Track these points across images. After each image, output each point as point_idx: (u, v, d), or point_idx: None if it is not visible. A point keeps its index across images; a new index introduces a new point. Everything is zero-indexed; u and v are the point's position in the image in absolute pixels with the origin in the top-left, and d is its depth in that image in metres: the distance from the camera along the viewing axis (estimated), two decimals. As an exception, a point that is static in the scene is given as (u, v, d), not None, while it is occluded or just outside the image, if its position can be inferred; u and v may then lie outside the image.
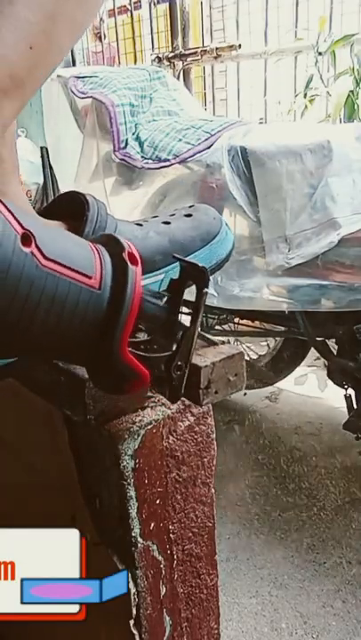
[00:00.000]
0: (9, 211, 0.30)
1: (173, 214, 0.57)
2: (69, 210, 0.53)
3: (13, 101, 0.41)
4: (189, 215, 0.56)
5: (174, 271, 0.54)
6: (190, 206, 0.59)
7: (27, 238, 0.30)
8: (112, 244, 0.37)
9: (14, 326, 0.31)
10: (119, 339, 0.34)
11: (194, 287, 0.39)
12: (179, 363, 0.39)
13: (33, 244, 0.30)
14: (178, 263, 0.40)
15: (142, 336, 0.39)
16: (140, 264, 0.36)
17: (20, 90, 0.41)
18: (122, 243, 0.37)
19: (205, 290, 0.39)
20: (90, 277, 0.34)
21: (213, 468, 0.52)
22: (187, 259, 0.41)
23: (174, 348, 0.39)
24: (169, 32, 2.61)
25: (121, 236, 0.52)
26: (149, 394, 0.48)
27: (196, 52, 2.44)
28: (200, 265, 0.39)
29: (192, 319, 0.39)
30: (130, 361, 0.35)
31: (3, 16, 0.38)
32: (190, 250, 0.54)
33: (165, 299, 0.39)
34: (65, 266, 0.32)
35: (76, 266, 0.33)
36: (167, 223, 0.54)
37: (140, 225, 0.54)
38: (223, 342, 0.49)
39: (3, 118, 0.41)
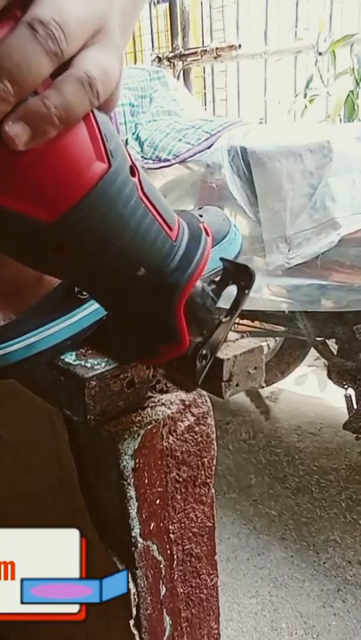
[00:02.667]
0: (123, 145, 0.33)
1: None
2: None
3: (125, 43, 0.41)
4: (200, 216, 0.57)
5: None
6: (199, 208, 0.60)
7: (133, 170, 0.32)
8: (188, 216, 0.39)
9: (100, 239, 0.32)
10: (180, 293, 0.35)
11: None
12: (204, 352, 0.39)
13: (137, 177, 0.33)
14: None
15: None
16: (211, 236, 0.38)
17: (127, 33, 0.40)
18: (197, 216, 0.39)
19: (248, 290, 0.40)
20: (171, 228, 0.35)
21: (213, 467, 0.52)
22: (231, 260, 0.42)
23: (203, 336, 0.39)
24: (169, 32, 2.61)
25: None
26: (149, 394, 0.48)
27: (196, 52, 2.44)
28: (247, 265, 0.40)
29: (230, 314, 0.40)
30: (181, 320, 0.36)
31: None
32: None
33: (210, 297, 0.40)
34: (155, 207, 0.34)
35: (162, 212, 0.35)
36: None
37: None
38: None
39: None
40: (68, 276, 0.37)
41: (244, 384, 0.46)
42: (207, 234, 0.38)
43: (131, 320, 0.39)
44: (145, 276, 0.35)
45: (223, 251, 0.56)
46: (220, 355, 0.44)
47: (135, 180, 0.32)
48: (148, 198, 0.33)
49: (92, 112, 0.29)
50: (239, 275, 0.40)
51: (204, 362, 0.39)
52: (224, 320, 0.40)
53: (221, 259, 0.42)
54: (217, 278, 0.41)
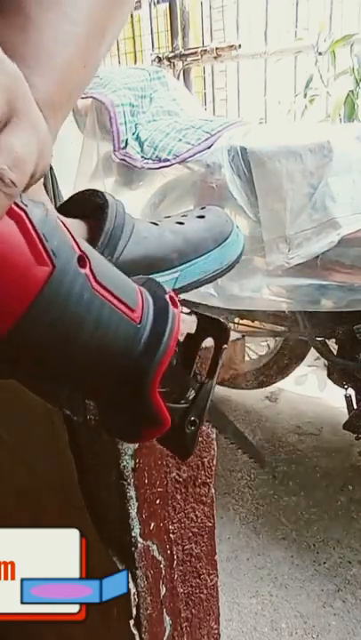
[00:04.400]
0: (69, 232, 0.31)
1: (186, 215, 0.58)
2: (86, 208, 0.53)
3: (63, 117, 0.41)
4: (202, 217, 0.57)
5: (189, 270, 0.54)
6: (202, 208, 0.59)
7: (83, 260, 0.30)
8: (153, 286, 0.37)
9: (52, 343, 0.30)
10: (151, 378, 0.33)
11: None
12: (192, 418, 0.38)
13: (88, 267, 0.31)
14: (193, 262, 0.40)
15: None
16: (179, 308, 0.36)
17: (70, 105, 0.41)
18: (162, 285, 0.37)
19: (225, 346, 0.38)
20: (133, 310, 0.33)
21: (213, 467, 0.52)
22: (204, 314, 0.40)
23: (189, 401, 0.38)
24: (169, 32, 2.61)
25: (139, 234, 0.53)
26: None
27: (196, 52, 2.44)
28: (220, 319, 0.38)
29: (209, 374, 0.38)
30: (157, 403, 0.34)
31: (68, 37, 0.39)
32: (203, 250, 0.55)
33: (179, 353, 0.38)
34: (112, 293, 0.32)
35: (121, 296, 0.33)
36: (181, 224, 0.55)
37: (156, 224, 0.55)
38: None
39: (57, 131, 0.41)
40: (34, 378, 0.35)
41: None
42: (174, 304, 0.36)
43: (108, 406, 0.37)
44: (112, 365, 0.33)
45: (225, 252, 0.55)
46: None
47: (86, 271, 0.30)
48: (102, 286, 0.31)
49: (25, 212, 0.27)
50: (213, 330, 0.38)
51: (193, 428, 0.38)
52: (206, 382, 0.38)
53: (195, 312, 0.40)
54: (192, 332, 0.40)
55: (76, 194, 0.55)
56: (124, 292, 0.33)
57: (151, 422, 0.35)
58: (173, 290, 0.40)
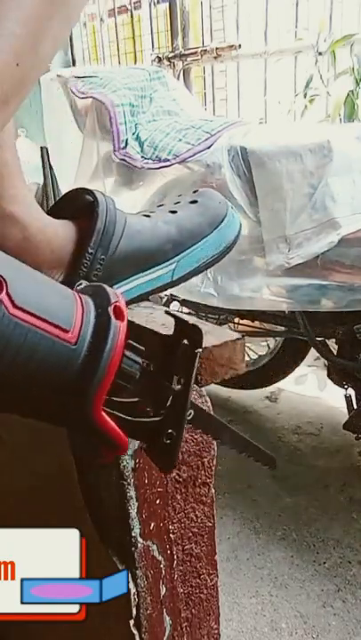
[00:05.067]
0: None
1: (179, 202, 0.57)
2: (78, 207, 0.53)
3: (3, 116, 0.41)
4: (195, 201, 0.56)
5: (185, 260, 0.54)
6: (194, 191, 0.58)
7: None
8: (100, 296, 0.34)
9: None
10: (92, 400, 0.31)
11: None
12: (169, 430, 0.36)
13: (3, 291, 0.29)
14: (190, 250, 0.39)
15: (129, 398, 0.35)
16: (125, 319, 0.33)
17: (6, 107, 0.40)
18: (109, 295, 0.34)
19: (199, 350, 0.36)
20: (66, 331, 0.31)
21: (213, 467, 0.52)
22: (180, 317, 0.38)
23: (163, 413, 0.35)
24: (169, 32, 2.61)
25: (131, 228, 0.52)
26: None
27: (196, 52, 2.44)
28: (194, 324, 0.36)
29: (184, 383, 0.36)
30: (104, 424, 0.32)
31: None
32: (199, 236, 0.54)
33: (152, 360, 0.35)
34: (37, 316, 0.30)
35: (50, 317, 0.31)
36: (174, 212, 0.55)
37: (148, 216, 0.54)
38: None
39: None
40: None
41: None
42: (119, 316, 0.33)
43: (60, 426, 0.35)
44: (48, 389, 0.31)
45: (222, 235, 0.54)
46: None
47: (1, 297, 0.29)
48: (24, 310, 0.29)
49: None
50: (188, 334, 0.36)
51: (170, 440, 0.36)
52: (177, 388, 0.36)
53: (171, 314, 0.38)
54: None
55: (68, 192, 0.55)
56: (56, 312, 0.31)
57: (105, 442, 0.33)
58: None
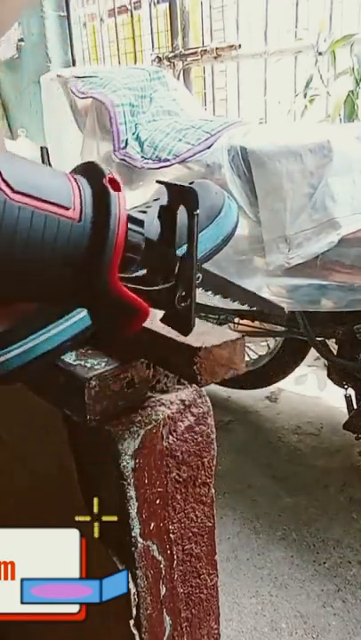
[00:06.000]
0: None
1: None
2: None
3: None
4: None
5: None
6: (190, 183, 0.58)
7: None
8: (91, 172, 0.34)
9: None
10: (107, 271, 0.32)
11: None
12: (182, 293, 0.37)
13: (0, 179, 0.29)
14: (186, 244, 0.39)
15: (138, 271, 0.36)
16: (122, 189, 0.34)
17: None
18: (100, 168, 0.34)
19: (197, 212, 0.36)
20: (67, 209, 0.31)
21: (213, 467, 0.52)
22: (171, 183, 0.38)
23: (174, 279, 0.37)
24: (169, 32, 2.61)
25: None
26: (149, 394, 0.48)
27: (196, 52, 2.44)
28: (187, 186, 0.37)
29: (188, 245, 0.37)
30: (124, 295, 0.33)
31: None
32: None
33: (159, 229, 0.36)
34: (38, 198, 0.30)
35: (51, 198, 0.31)
36: None
37: (145, 212, 0.54)
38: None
39: None
40: None
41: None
42: (115, 187, 0.33)
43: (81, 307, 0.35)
44: (63, 269, 0.31)
45: (219, 227, 0.54)
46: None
47: None
48: (24, 193, 0.29)
49: None
50: (183, 197, 0.37)
51: (184, 303, 0.37)
52: (182, 254, 0.37)
53: (160, 181, 0.39)
54: (162, 202, 0.38)
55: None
56: (55, 193, 0.31)
57: (129, 314, 0.34)
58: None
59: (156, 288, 0.36)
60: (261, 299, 0.48)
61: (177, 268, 0.37)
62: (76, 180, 0.34)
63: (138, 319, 0.35)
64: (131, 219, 0.34)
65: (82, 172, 0.35)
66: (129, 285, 0.34)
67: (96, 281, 0.32)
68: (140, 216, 0.35)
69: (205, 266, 0.51)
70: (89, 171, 0.35)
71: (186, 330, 0.39)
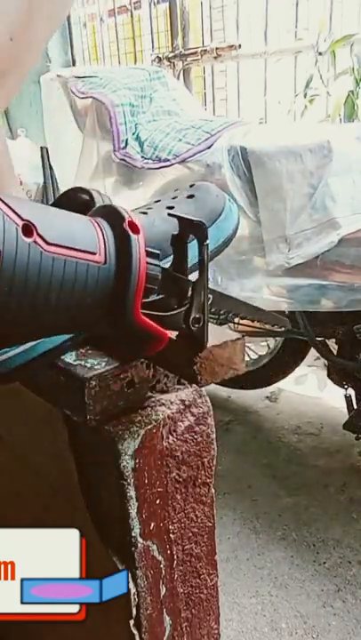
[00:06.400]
0: (6, 204, 0.31)
1: (176, 197, 0.57)
2: (74, 206, 0.53)
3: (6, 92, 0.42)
4: (192, 196, 0.56)
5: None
6: (191, 185, 0.58)
7: (27, 229, 0.31)
8: (112, 216, 0.38)
9: (30, 314, 0.32)
10: (132, 307, 0.35)
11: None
12: (196, 316, 0.41)
13: (34, 234, 0.31)
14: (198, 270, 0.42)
15: (155, 296, 0.40)
16: (141, 231, 0.37)
17: (3, 80, 0.41)
18: (121, 213, 0.38)
19: (207, 242, 0.40)
20: (94, 254, 0.34)
21: (213, 467, 0.52)
22: (182, 216, 0.42)
23: (187, 303, 0.40)
24: (169, 32, 2.61)
25: None
26: (149, 394, 0.48)
27: (196, 52, 2.44)
28: (196, 220, 0.40)
29: (200, 272, 0.40)
30: (146, 324, 0.37)
31: None
32: None
33: (170, 260, 0.40)
34: (69, 247, 0.33)
35: (79, 245, 0.34)
36: (171, 208, 0.54)
37: (145, 213, 0.54)
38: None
39: None
40: (29, 339, 0.38)
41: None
42: (134, 230, 0.37)
43: (104, 341, 0.40)
44: (92, 309, 0.35)
45: (219, 230, 0.54)
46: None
47: (33, 238, 0.31)
48: (56, 244, 0.32)
49: None
50: (193, 230, 0.41)
51: (197, 325, 0.41)
52: (194, 280, 0.40)
53: (172, 215, 0.42)
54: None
55: (64, 192, 0.55)
56: (82, 240, 0.34)
57: (149, 340, 0.38)
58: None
59: (172, 313, 0.40)
60: (268, 313, 0.51)
61: (189, 291, 0.41)
62: (98, 223, 0.37)
63: (157, 344, 0.39)
64: (149, 254, 0.38)
65: (103, 215, 0.38)
66: (149, 312, 0.37)
67: (121, 316, 0.36)
68: (155, 250, 0.39)
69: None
70: (110, 215, 0.38)
71: (200, 348, 0.42)
